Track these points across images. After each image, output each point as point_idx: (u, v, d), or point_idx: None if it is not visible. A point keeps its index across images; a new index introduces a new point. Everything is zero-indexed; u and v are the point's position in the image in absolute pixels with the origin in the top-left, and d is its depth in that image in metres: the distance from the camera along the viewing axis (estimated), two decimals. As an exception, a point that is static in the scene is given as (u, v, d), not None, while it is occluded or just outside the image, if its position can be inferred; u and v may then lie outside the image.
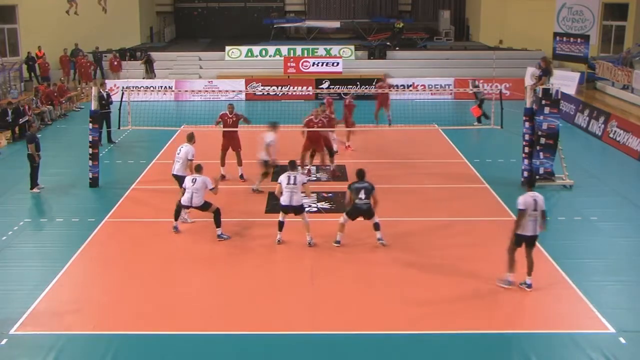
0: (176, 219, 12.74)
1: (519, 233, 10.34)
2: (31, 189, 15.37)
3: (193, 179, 12.33)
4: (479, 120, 21.90)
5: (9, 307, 9.89)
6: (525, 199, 10.29)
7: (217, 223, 12.40)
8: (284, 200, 12.00)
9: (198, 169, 12.57)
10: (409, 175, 16.48)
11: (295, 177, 12.00)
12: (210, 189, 12.41)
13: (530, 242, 10.40)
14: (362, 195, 11.77)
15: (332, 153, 16.28)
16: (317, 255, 11.69)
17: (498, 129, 17.37)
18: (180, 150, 13.51)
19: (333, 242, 12.06)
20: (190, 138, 13.62)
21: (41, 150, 15.56)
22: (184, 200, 12.36)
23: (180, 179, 13.15)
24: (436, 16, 38.04)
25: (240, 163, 15.89)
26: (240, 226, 13.09)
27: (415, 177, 16.34)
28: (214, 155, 15.74)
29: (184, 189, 12.41)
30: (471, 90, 23.41)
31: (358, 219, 12.02)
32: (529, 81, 25.75)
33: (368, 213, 11.93)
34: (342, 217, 12.12)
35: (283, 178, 12.04)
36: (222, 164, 15.84)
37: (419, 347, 8.90)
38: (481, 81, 26.36)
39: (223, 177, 15.54)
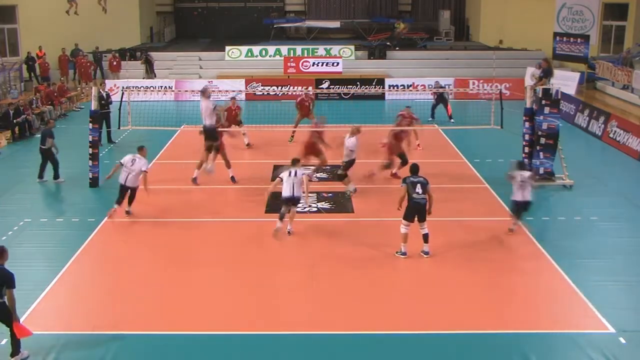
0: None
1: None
2: (55, 178, 15.96)
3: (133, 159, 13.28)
4: (450, 117, 22.01)
5: (9, 307, 9.89)
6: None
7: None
8: (285, 192, 12.25)
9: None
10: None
11: (296, 171, 12.33)
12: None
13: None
14: (418, 189, 11.45)
15: (405, 161, 15.67)
16: (318, 255, 11.69)
17: (498, 129, 17.37)
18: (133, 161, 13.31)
19: (397, 253, 11.62)
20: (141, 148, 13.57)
21: (45, 145, 15.84)
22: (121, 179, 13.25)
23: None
24: (436, 16, 38.04)
25: (228, 165, 15.48)
26: (240, 226, 13.09)
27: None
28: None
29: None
30: (434, 90, 23.35)
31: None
32: (529, 81, 25.79)
33: (424, 212, 11.53)
34: (402, 227, 11.56)
35: (284, 173, 12.37)
36: (207, 159, 15.49)
37: (419, 347, 8.90)
38: (481, 81, 26.38)
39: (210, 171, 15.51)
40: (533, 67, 27.08)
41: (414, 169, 11.77)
